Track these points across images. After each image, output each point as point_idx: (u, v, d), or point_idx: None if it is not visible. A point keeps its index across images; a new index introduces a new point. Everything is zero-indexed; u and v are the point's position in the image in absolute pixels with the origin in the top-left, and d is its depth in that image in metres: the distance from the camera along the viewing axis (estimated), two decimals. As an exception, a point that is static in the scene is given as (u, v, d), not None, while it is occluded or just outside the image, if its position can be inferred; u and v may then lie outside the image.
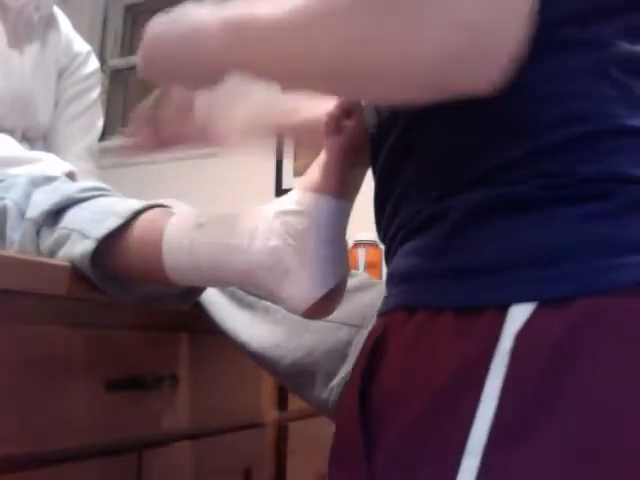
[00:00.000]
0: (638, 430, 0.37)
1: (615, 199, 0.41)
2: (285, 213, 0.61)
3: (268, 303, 0.82)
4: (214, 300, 0.84)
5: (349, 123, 0.61)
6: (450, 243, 0.44)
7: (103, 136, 1.34)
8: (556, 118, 0.43)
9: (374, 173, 0.59)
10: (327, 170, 0.61)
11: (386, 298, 0.51)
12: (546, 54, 0.44)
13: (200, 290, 0.80)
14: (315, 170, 0.62)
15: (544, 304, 0.40)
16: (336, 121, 0.61)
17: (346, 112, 0.61)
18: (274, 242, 0.61)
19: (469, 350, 0.41)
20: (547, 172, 0.42)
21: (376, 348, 0.47)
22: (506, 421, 0.39)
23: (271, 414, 1.11)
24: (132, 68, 2.85)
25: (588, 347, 0.39)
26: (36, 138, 1.19)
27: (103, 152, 1.32)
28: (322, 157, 0.63)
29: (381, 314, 0.50)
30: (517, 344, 0.39)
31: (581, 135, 0.42)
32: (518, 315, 0.40)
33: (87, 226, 0.70)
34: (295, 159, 2.23)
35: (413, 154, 0.50)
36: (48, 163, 1.00)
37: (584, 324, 0.39)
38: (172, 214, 0.69)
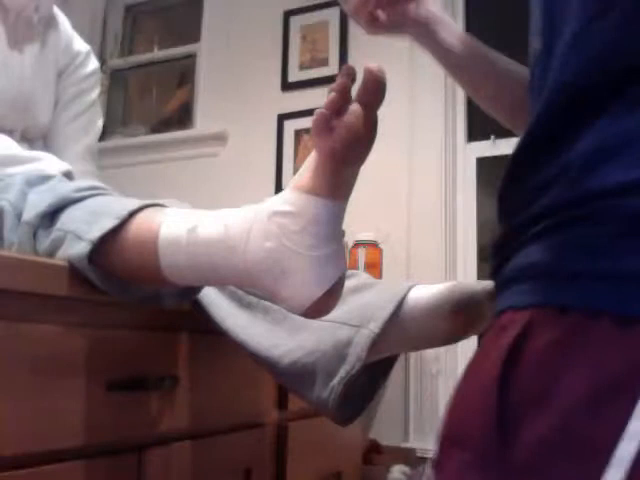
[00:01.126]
0: None
1: None
2: (279, 214, 0.61)
3: (268, 303, 0.82)
4: (214, 300, 0.84)
5: (339, 122, 0.59)
6: (611, 246, 0.42)
7: (103, 136, 1.34)
8: None
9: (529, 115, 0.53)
10: (318, 171, 0.61)
11: (522, 290, 0.48)
12: None
13: (199, 287, 0.80)
14: (306, 170, 0.62)
15: None
16: (326, 121, 0.59)
17: (336, 111, 0.60)
18: (270, 244, 0.61)
19: (624, 359, 0.40)
20: None
21: (519, 341, 0.45)
22: None
23: (271, 414, 1.11)
24: (132, 68, 2.85)
25: None
26: (35, 138, 1.18)
27: (103, 152, 1.32)
28: (313, 156, 0.62)
29: (520, 306, 0.47)
30: None
31: None
32: None
33: (82, 227, 0.70)
34: (295, 159, 2.23)
35: (579, 132, 0.46)
36: (46, 162, 1.00)
37: None
38: (168, 213, 0.68)
